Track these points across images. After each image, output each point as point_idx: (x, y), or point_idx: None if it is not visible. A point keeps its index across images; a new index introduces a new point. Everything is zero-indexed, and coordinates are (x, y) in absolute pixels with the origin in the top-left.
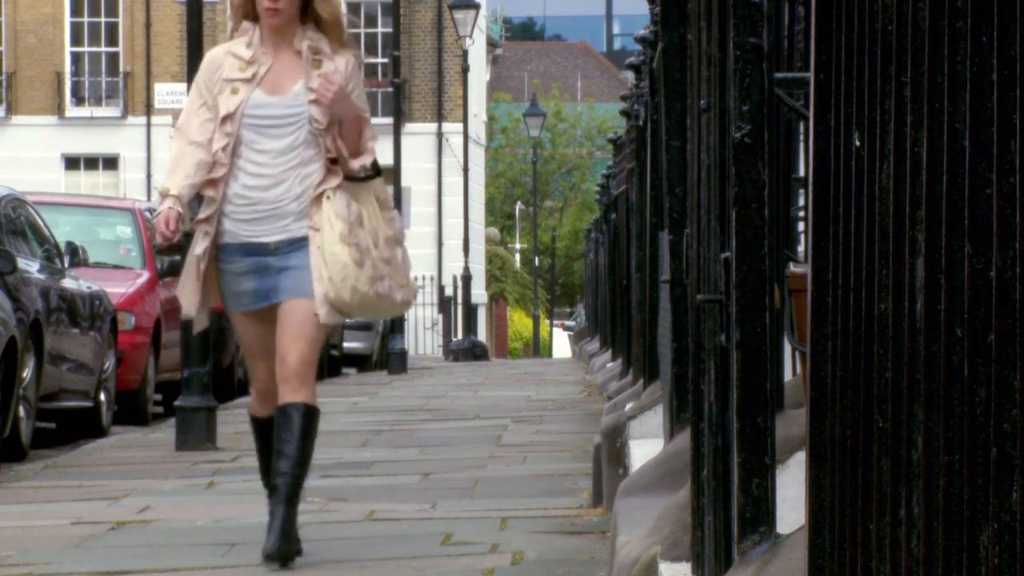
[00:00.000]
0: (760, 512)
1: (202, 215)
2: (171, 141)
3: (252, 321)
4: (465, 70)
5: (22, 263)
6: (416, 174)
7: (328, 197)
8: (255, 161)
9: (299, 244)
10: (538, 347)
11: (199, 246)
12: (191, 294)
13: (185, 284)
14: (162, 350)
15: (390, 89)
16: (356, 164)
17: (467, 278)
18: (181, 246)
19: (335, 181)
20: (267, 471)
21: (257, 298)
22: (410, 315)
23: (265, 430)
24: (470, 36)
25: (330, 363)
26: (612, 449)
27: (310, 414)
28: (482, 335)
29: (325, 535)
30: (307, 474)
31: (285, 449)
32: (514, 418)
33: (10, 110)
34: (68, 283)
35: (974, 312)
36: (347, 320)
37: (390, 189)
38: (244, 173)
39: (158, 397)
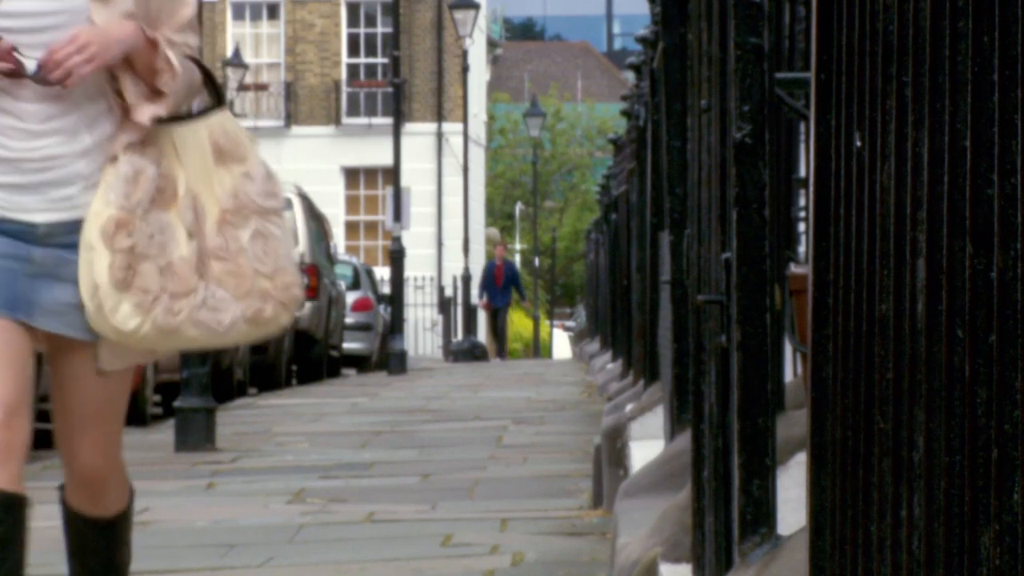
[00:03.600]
0: (761, 513)
1: None
2: None
3: None
4: (465, 70)
5: None
6: (416, 174)
7: (114, 162)
8: (7, 91)
9: None
10: (538, 348)
11: None
12: None
13: None
14: None
15: (390, 89)
16: (146, 113)
17: (467, 279)
18: None
19: (131, 133)
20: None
21: (2, 300)
22: (410, 316)
23: (11, 516)
24: (470, 36)
25: (330, 364)
26: (612, 450)
27: (116, 528)
28: (482, 336)
29: (325, 536)
30: None
31: (90, 564)
32: (514, 419)
33: None
34: None
35: (975, 313)
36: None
37: (392, 189)
38: None
39: (157, 398)
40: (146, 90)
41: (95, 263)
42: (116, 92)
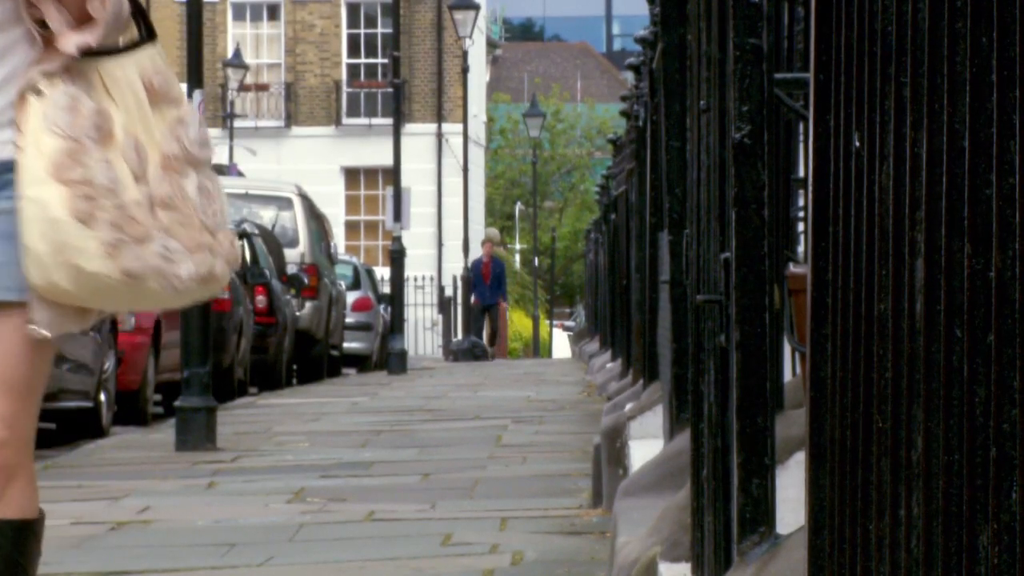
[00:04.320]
0: (760, 512)
1: None
2: None
3: None
4: (465, 71)
5: None
6: (416, 175)
7: (38, 93)
8: None
9: None
10: (538, 347)
11: None
12: None
13: None
14: (162, 350)
15: (390, 90)
16: (72, 42)
17: (467, 279)
18: None
19: (51, 63)
20: None
21: None
22: (410, 315)
23: None
24: (470, 37)
25: (330, 363)
26: (612, 450)
27: (21, 535)
28: (482, 333)
29: (325, 535)
30: None
31: None
32: (514, 418)
33: None
34: None
35: (974, 312)
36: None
37: (392, 190)
38: None
39: (158, 397)
40: (70, 18)
41: (47, 199)
42: (37, 21)
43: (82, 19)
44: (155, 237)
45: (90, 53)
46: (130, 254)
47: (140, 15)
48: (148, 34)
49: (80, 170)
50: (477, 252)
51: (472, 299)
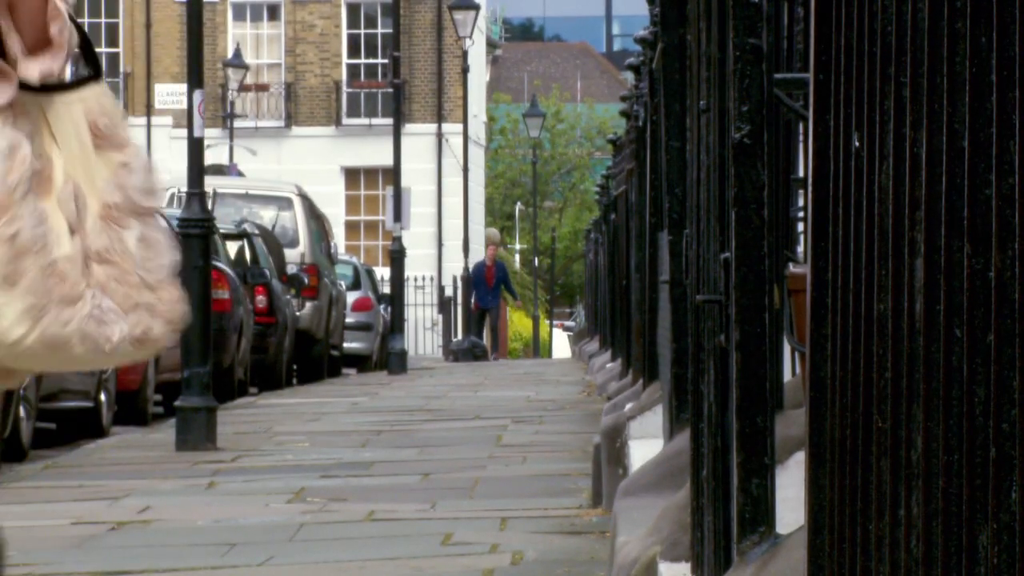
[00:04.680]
0: (759, 512)
1: None
2: (171, 141)
3: None
4: (465, 71)
5: None
6: (416, 175)
7: None
8: None
9: None
10: (538, 347)
11: None
12: None
13: None
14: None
15: (390, 90)
16: (35, 68)
17: (467, 279)
18: None
19: (2, 94)
20: None
21: None
22: (410, 315)
23: None
24: (470, 37)
25: (330, 363)
26: (612, 449)
27: None
28: (482, 335)
29: (325, 535)
30: None
31: None
32: (514, 418)
33: None
34: None
35: (973, 312)
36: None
37: (392, 190)
38: None
39: (158, 397)
40: (27, 42)
41: None
42: None
43: (40, 45)
44: (86, 296)
45: (34, 90)
46: (54, 318)
47: (87, 47)
48: (95, 71)
49: (8, 228)
50: (477, 252)
51: (472, 302)
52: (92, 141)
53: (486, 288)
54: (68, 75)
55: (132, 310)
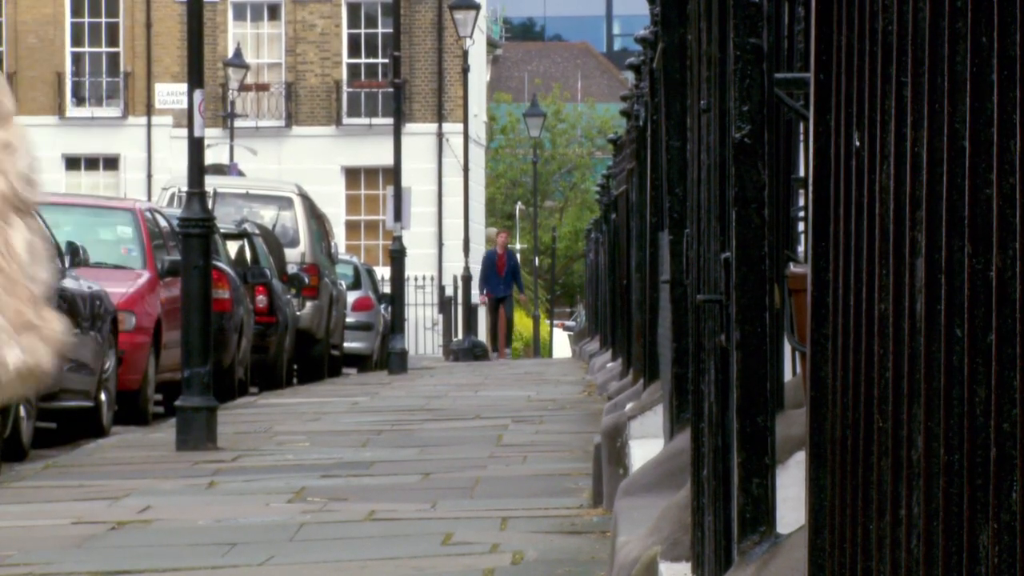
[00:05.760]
0: (760, 512)
1: None
2: (172, 141)
3: None
4: (465, 70)
5: None
6: (416, 174)
7: None
8: None
9: None
10: (538, 347)
11: None
12: None
13: None
14: (162, 350)
15: (390, 89)
16: None
17: (467, 278)
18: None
19: None
20: None
21: None
22: (410, 315)
23: None
24: (470, 36)
25: (331, 363)
26: (612, 449)
27: None
28: (482, 335)
29: (325, 535)
30: None
31: None
32: (514, 418)
33: None
34: (69, 283)
35: (974, 312)
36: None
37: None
38: None
39: (158, 397)
40: None
41: None
42: None
43: None
44: None
45: None
46: None
47: None
48: None
49: None
50: (477, 252)
51: (483, 292)
52: None
53: (497, 277)
54: None
55: (24, 330)
